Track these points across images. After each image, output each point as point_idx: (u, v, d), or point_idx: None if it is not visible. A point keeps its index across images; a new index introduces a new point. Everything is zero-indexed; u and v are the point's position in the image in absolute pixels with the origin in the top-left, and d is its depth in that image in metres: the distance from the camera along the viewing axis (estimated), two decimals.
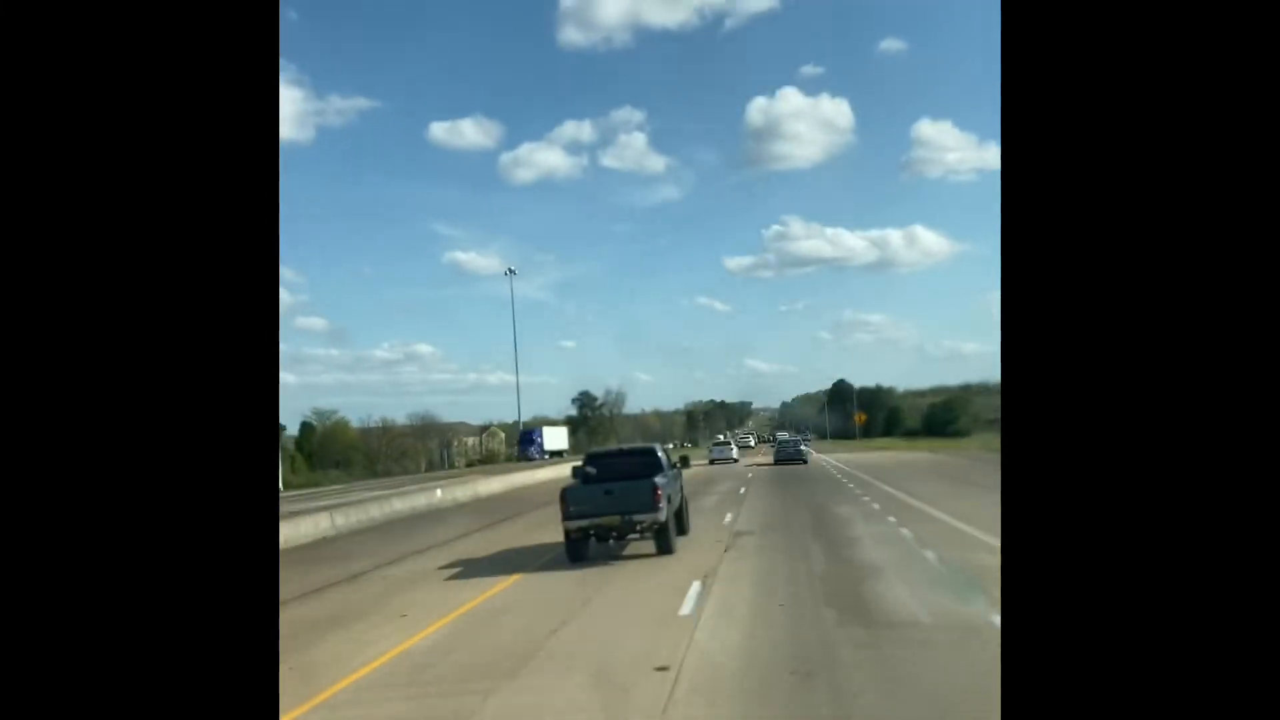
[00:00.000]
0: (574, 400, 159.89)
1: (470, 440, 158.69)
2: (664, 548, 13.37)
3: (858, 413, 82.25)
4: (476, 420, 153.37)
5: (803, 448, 48.71)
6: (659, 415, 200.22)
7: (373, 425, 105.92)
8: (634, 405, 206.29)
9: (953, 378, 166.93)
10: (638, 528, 13.12)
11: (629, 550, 14.32)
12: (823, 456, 49.73)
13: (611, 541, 13.84)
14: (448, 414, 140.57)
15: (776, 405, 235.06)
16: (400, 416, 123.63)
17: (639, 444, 18.72)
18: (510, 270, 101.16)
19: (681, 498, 15.28)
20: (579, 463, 15.38)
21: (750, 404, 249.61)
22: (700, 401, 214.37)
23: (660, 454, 15.20)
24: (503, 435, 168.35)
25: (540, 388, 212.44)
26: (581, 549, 13.40)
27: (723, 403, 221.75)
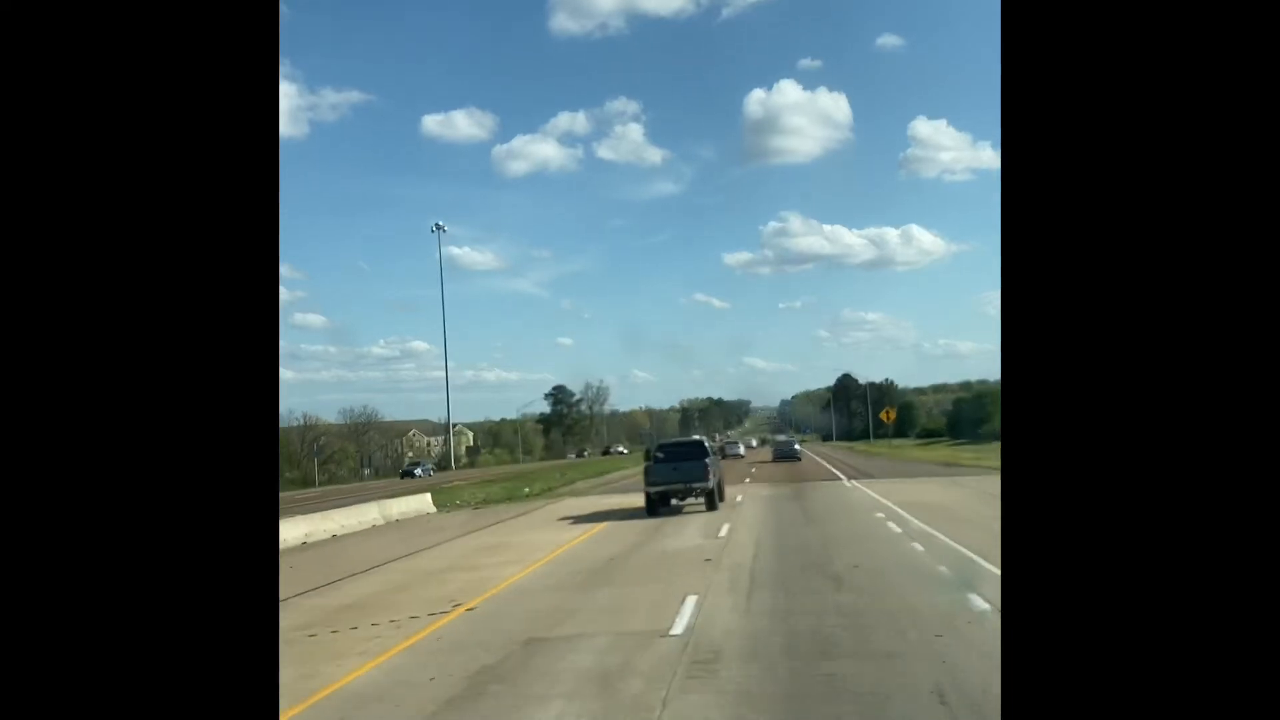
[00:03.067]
0: (547, 396, 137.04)
1: (431, 440, 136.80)
2: (711, 506, 18.94)
3: (886, 408, 58.38)
4: (470, 418, 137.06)
5: (796, 446, 54.06)
6: (650, 413, 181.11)
7: (294, 423, 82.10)
8: (630, 402, 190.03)
9: (949, 376, 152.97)
10: (695, 492, 18.90)
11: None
12: (862, 489, 22.47)
13: (674, 501, 19.25)
14: (439, 413, 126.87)
15: (776, 404, 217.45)
16: (331, 414, 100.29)
17: (693, 437, 22.89)
18: (438, 226, 77.96)
19: (720, 474, 20.93)
20: (650, 448, 22.52)
21: (749, 402, 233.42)
22: (696, 399, 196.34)
23: (707, 444, 20.88)
24: (470, 435, 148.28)
25: (537, 385, 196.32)
26: (656, 507, 18.97)
27: (720, 400, 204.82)
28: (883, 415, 56.72)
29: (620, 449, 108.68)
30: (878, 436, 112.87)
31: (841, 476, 29.18)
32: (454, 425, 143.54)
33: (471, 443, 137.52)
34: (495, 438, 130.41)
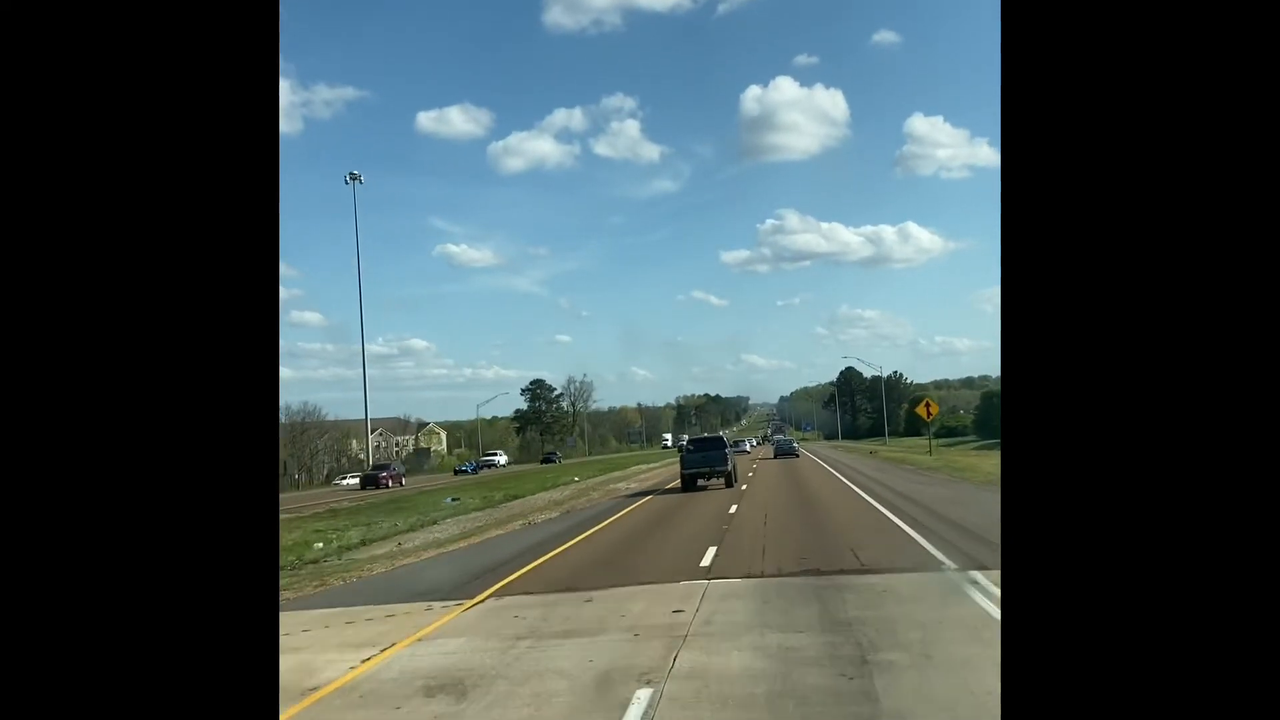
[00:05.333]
0: (524, 391, 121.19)
1: (400, 439, 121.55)
2: (729, 484, 25.13)
3: (925, 400, 42.16)
4: (465, 416, 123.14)
5: (794, 445, 57.22)
6: (642, 410, 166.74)
7: None
8: (628, 398, 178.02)
9: (946, 373, 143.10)
10: (717, 474, 25.33)
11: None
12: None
13: (700, 481, 25.35)
14: (433, 411, 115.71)
15: (774, 400, 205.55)
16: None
17: (714, 434, 35.22)
18: (352, 175, 62.43)
19: (733, 462, 27.12)
20: (683, 441, 32.42)
21: (747, 399, 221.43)
22: (692, 396, 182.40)
23: (725, 438, 30.19)
24: (444, 435, 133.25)
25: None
26: (691, 484, 25.18)
27: (717, 397, 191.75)
28: (920, 409, 41.05)
29: (495, 457, 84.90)
30: (894, 434, 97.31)
31: (937, 554, 10.52)
32: (425, 424, 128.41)
33: (444, 443, 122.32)
34: (472, 437, 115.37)
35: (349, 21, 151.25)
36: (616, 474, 42.19)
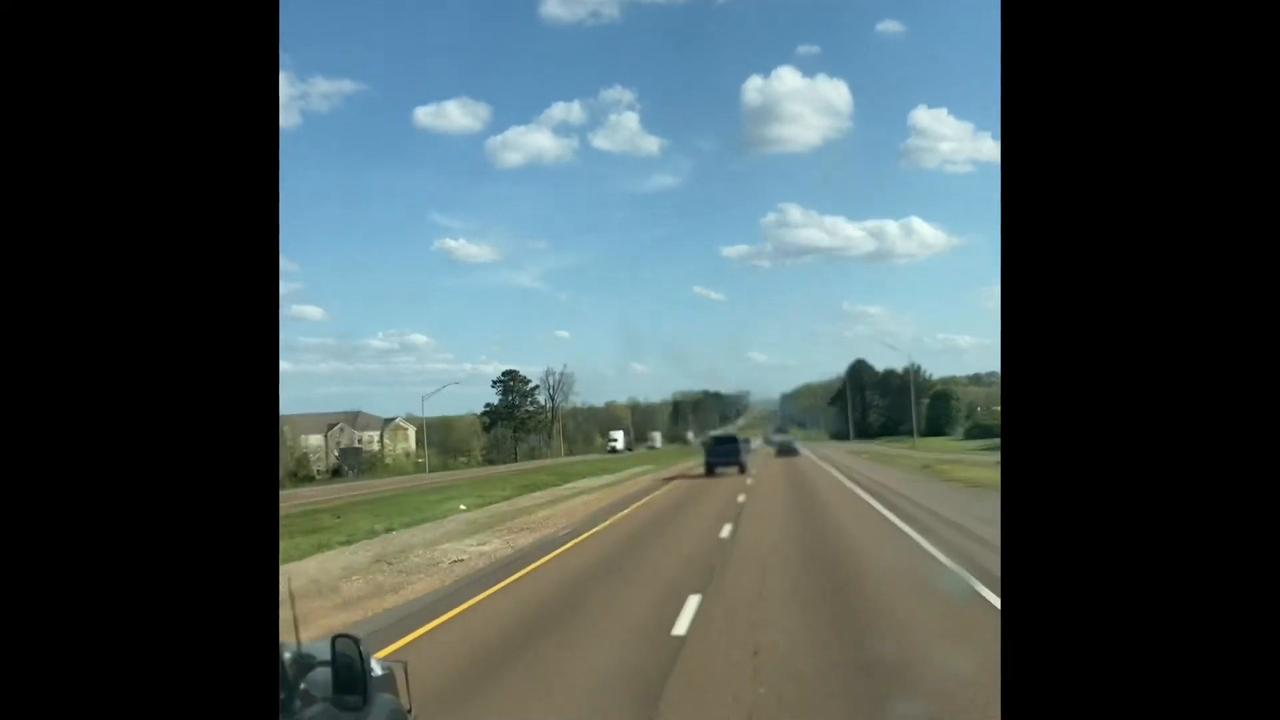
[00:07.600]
0: (495, 383, 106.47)
1: (366, 435, 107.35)
2: (742, 471, 32.37)
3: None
4: (459, 411, 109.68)
5: (795, 444, 57.03)
6: (635, 406, 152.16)
7: None
8: (626, 394, 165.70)
9: (948, 370, 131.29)
10: (732, 464, 33.35)
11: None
12: None
13: (718, 469, 33.13)
14: (433, 407, 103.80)
15: (776, 397, 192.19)
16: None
17: (730, 432, 46.09)
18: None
19: (745, 455, 35.63)
20: (707, 438, 45.33)
21: (748, 394, 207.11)
22: (689, 392, 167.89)
23: (739, 434, 41.69)
24: (412, 431, 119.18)
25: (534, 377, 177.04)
26: (712, 470, 32.92)
27: (716, 393, 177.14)
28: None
29: None
30: (911, 433, 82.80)
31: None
32: (392, 419, 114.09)
33: (410, 440, 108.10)
34: (447, 434, 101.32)
35: (347, 14, 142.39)
36: (537, 496, 27.30)
